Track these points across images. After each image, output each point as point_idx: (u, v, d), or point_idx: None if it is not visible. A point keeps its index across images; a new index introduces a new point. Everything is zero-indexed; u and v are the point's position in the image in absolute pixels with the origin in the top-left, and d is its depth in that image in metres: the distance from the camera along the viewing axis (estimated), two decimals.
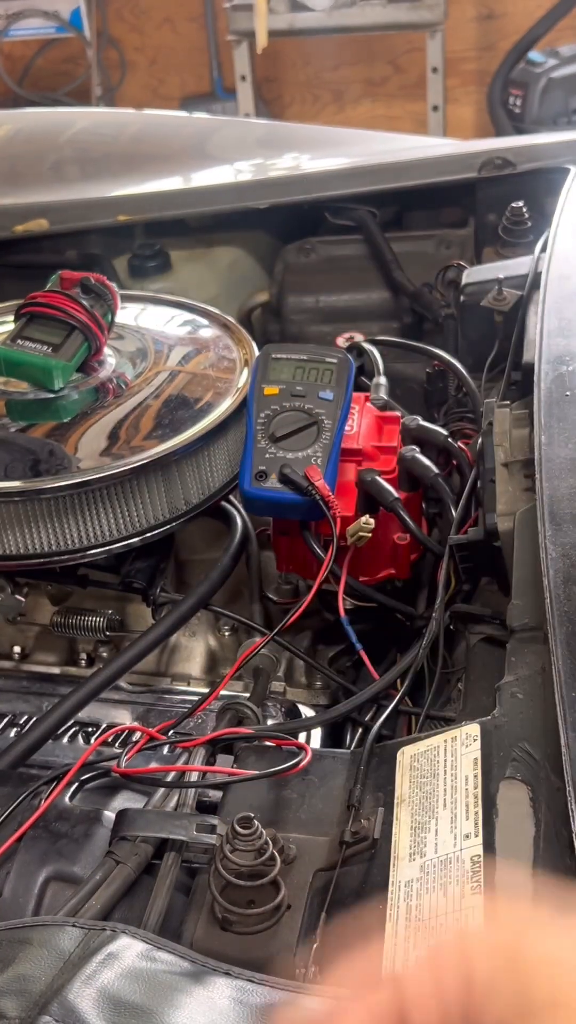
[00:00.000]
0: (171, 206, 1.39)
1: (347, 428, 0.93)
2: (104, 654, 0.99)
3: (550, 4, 3.18)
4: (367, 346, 1.13)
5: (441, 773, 0.66)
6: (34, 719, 0.85)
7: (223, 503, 0.97)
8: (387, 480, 0.92)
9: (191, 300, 1.14)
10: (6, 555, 0.89)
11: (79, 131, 1.67)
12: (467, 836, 0.61)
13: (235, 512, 0.97)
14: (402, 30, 3.20)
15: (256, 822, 0.62)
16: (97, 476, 0.87)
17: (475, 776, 0.64)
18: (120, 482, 0.88)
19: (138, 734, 0.81)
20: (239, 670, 0.88)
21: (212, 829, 0.66)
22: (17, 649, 1.00)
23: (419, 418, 0.98)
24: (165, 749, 0.81)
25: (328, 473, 0.88)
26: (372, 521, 0.88)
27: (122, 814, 0.69)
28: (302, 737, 0.80)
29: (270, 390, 0.93)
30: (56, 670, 0.98)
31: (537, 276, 1.06)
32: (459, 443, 0.97)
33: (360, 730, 0.85)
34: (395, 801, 0.67)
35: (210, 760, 0.75)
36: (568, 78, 3.09)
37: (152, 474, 0.89)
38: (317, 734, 0.84)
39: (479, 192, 1.37)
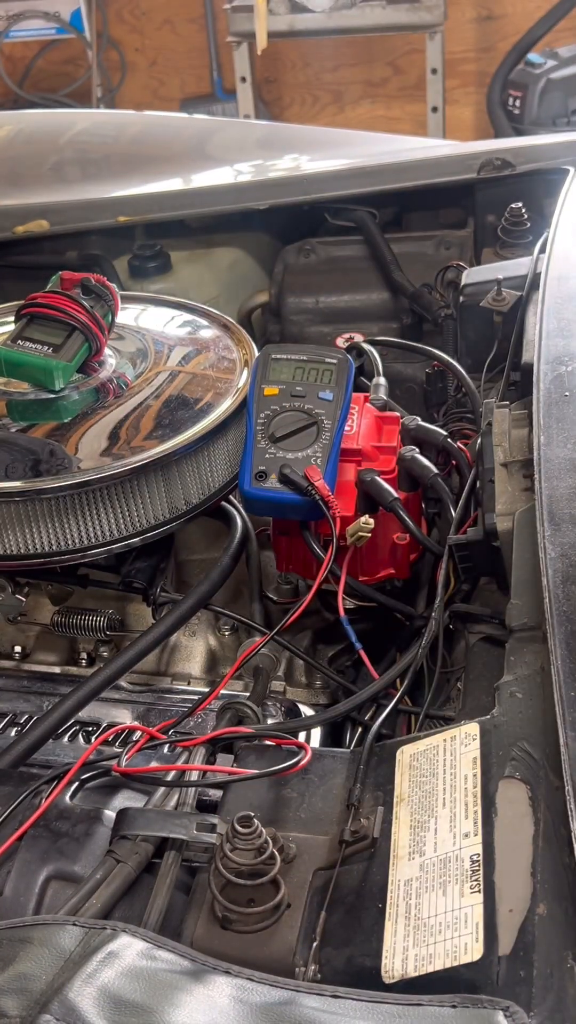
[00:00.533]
0: (171, 207, 1.40)
1: (347, 428, 0.93)
2: (104, 654, 0.99)
3: (549, 5, 3.19)
4: (366, 347, 1.13)
5: (440, 772, 0.66)
6: (35, 718, 0.86)
7: (223, 503, 0.97)
8: (387, 480, 0.92)
9: (191, 301, 1.15)
10: (7, 555, 0.89)
11: (79, 132, 1.68)
12: (466, 835, 0.61)
13: (235, 512, 0.97)
14: (401, 31, 3.20)
15: (256, 821, 0.62)
16: (97, 476, 0.87)
17: (474, 775, 0.64)
18: (120, 482, 0.88)
19: (138, 733, 0.82)
20: (239, 669, 0.88)
21: (212, 828, 0.66)
22: (18, 649, 1.00)
23: (418, 418, 0.98)
24: (165, 748, 0.81)
25: (328, 473, 0.88)
26: (371, 521, 0.88)
27: (122, 813, 0.69)
28: (302, 736, 0.80)
29: (270, 390, 0.93)
30: (57, 669, 0.98)
31: (536, 277, 1.06)
32: (458, 443, 0.98)
33: (360, 729, 0.85)
34: (394, 800, 0.67)
35: (210, 759, 0.75)
36: (567, 79, 3.09)
37: (152, 474, 0.89)
38: (317, 733, 0.84)
39: (478, 193, 1.37)
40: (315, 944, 0.61)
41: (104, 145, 1.65)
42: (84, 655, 1.00)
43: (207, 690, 0.89)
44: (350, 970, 0.59)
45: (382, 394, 1.05)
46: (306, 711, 0.89)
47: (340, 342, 1.16)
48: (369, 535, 0.88)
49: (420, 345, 1.19)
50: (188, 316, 1.12)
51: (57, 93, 3.83)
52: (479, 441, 0.90)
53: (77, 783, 0.75)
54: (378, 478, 0.92)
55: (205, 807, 0.73)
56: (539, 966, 0.54)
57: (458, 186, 1.37)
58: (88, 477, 0.87)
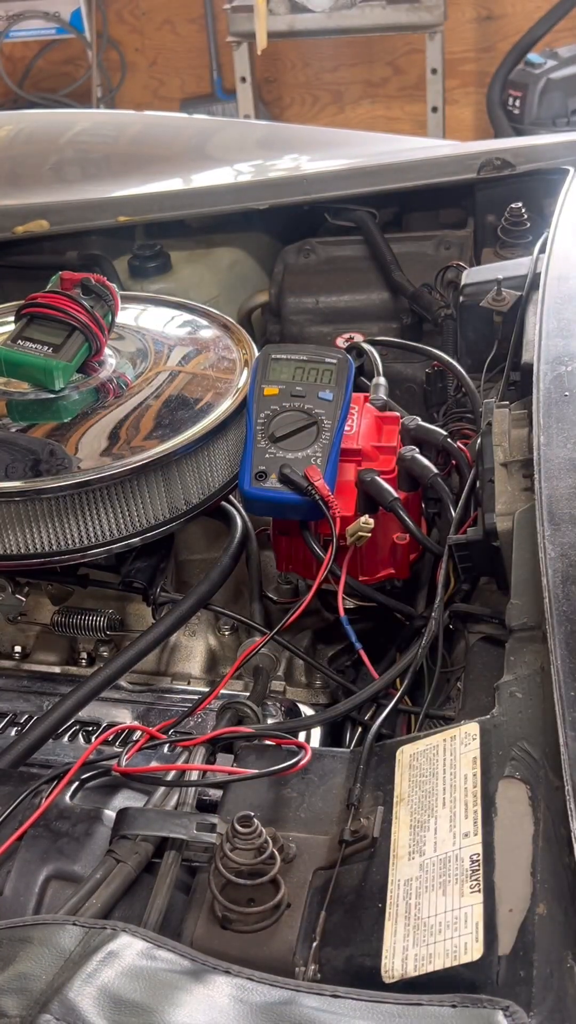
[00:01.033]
0: (171, 207, 1.40)
1: (347, 428, 0.93)
2: (104, 653, 0.99)
3: (549, 5, 3.19)
4: (366, 347, 1.13)
5: (440, 772, 0.66)
6: (35, 718, 0.86)
7: (223, 503, 0.97)
8: (386, 480, 0.92)
9: (191, 301, 1.15)
10: (7, 555, 0.89)
11: (79, 132, 1.68)
12: (466, 835, 0.61)
13: (235, 512, 0.97)
14: (401, 31, 3.20)
15: (256, 821, 0.62)
16: (97, 476, 0.87)
17: (474, 775, 0.64)
18: (120, 482, 0.88)
19: (138, 733, 0.82)
20: (239, 669, 0.88)
21: (212, 828, 0.66)
22: (18, 648, 1.00)
23: (418, 418, 0.98)
24: (165, 748, 0.81)
25: (328, 473, 0.88)
26: (371, 521, 0.88)
27: (122, 813, 0.69)
28: (302, 736, 0.80)
29: (270, 390, 0.93)
30: (57, 669, 0.98)
31: (536, 277, 1.06)
32: (458, 443, 0.98)
33: (360, 729, 0.85)
34: (394, 800, 0.67)
35: (210, 759, 0.75)
36: (567, 79, 3.09)
37: (152, 474, 0.90)
38: (317, 733, 0.84)
39: (478, 193, 1.37)
40: (315, 944, 0.61)
41: (104, 145, 1.65)
42: (84, 655, 1.00)
43: (207, 690, 0.89)
44: (350, 970, 0.59)
45: (382, 394, 1.05)
46: (306, 711, 0.89)
47: (340, 342, 1.16)
48: (369, 535, 0.88)
49: (420, 345, 1.19)
50: (188, 316, 1.12)
51: (57, 93, 3.83)
52: (479, 441, 0.90)
53: (77, 783, 0.75)
54: (378, 478, 0.92)
55: (205, 807, 0.73)
56: (539, 966, 0.54)
57: (458, 186, 1.36)
58: (88, 477, 0.87)
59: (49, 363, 0.96)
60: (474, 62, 3.56)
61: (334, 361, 0.95)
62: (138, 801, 0.73)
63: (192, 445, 0.91)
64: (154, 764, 0.78)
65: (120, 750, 0.77)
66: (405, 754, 0.70)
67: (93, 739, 0.85)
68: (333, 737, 0.87)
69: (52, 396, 0.97)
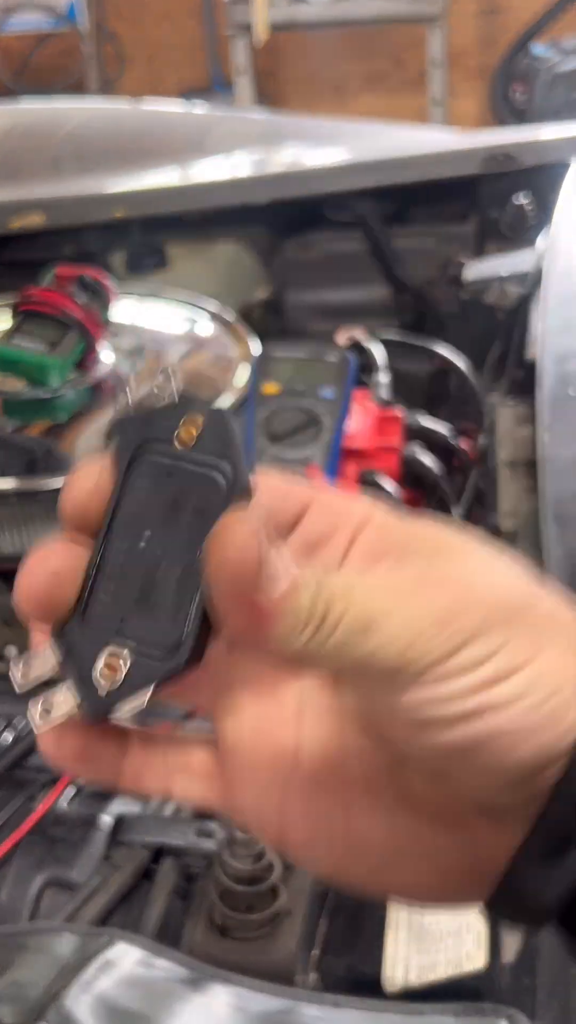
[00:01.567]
0: (169, 202, 1.38)
1: (348, 427, 0.92)
2: None
3: None
4: (368, 343, 1.12)
5: None
6: None
7: None
8: (388, 479, 0.91)
9: (189, 297, 1.13)
10: (2, 555, 0.88)
11: (77, 125, 1.66)
12: None
13: None
14: (403, 22, 3.18)
15: None
16: None
17: None
18: None
19: None
20: None
21: (211, 834, 0.66)
22: (13, 650, 0.99)
23: (421, 416, 0.97)
24: None
25: (328, 473, 0.87)
26: None
27: (120, 819, 0.68)
28: None
29: (270, 388, 0.92)
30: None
31: (540, 272, 1.05)
32: (461, 442, 0.97)
33: None
34: None
35: None
36: (572, 72, 3.07)
37: None
38: None
39: (482, 187, 1.36)
40: (315, 952, 0.60)
41: (102, 139, 1.63)
42: None
43: None
44: (351, 978, 0.59)
45: (384, 392, 1.04)
46: None
47: (341, 339, 1.15)
48: None
49: (422, 342, 1.18)
50: (186, 312, 1.10)
51: (54, 86, 3.81)
52: (483, 439, 0.89)
53: (74, 788, 0.74)
54: (379, 477, 0.91)
55: (204, 813, 0.72)
56: (543, 975, 0.53)
57: (461, 181, 1.35)
58: None
59: (44, 360, 0.95)
60: (477, 55, 3.54)
61: (334, 359, 0.94)
62: (136, 807, 0.73)
63: None
64: None
65: None
66: None
67: None
68: None
69: (48, 394, 0.96)
